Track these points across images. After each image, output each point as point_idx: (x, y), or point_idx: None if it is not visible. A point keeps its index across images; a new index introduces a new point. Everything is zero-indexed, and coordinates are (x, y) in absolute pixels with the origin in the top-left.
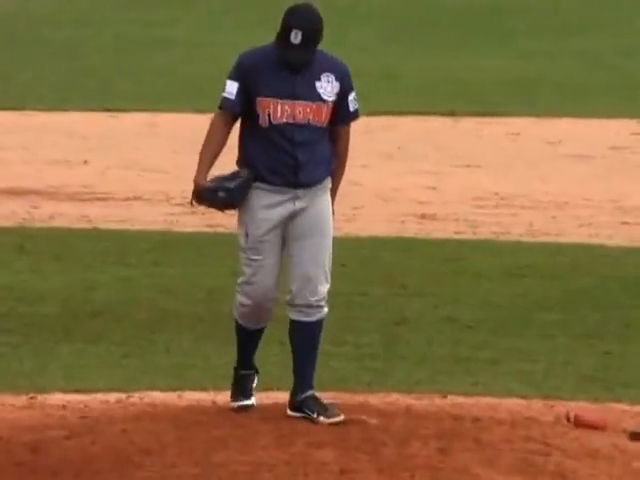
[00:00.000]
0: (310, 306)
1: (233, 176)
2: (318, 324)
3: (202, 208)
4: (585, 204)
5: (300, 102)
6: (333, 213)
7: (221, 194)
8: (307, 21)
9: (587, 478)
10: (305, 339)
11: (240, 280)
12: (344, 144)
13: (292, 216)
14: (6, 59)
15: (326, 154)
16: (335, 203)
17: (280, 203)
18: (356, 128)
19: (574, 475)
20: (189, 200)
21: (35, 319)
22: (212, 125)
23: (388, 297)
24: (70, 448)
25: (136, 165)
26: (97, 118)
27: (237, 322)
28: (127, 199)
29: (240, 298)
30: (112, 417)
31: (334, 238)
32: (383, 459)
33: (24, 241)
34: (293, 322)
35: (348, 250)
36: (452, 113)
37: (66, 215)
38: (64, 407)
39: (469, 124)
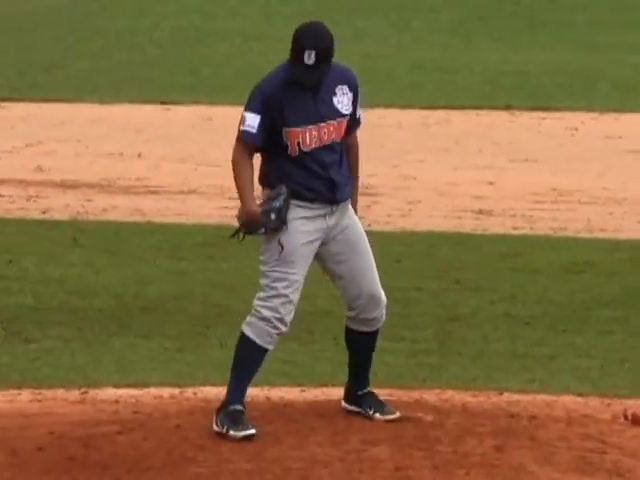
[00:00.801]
0: (374, 319)
1: (276, 196)
2: (378, 331)
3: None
4: None
5: (324, 124)
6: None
7: (273, 216)
8: (319, 40)
9: None
10: (366, 346)
11: (265, 295)
12: (356, 151)
13: (329, 237)
14: (62, 50)
15: (348, 169)
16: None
17: (316, 217)
18: (412, 122)
19: (631, 474)
20: (234, 233)
21: (88, 313)
22: (237, 158)
23: (444, 293)
24: (122, 443)
25: (191, 158)
26: (152, 111)
27: (247, 340)
28: (181, 192)
29: (265, 312)
30: (165, 412)
31: (389, 233)
32: (438, 456)
33: (77, 234)
34: (354, 331)
35: (403, 245)
36: (510, 107)
37: (119, 208)
38: (116, 402)
39: (527, 118)
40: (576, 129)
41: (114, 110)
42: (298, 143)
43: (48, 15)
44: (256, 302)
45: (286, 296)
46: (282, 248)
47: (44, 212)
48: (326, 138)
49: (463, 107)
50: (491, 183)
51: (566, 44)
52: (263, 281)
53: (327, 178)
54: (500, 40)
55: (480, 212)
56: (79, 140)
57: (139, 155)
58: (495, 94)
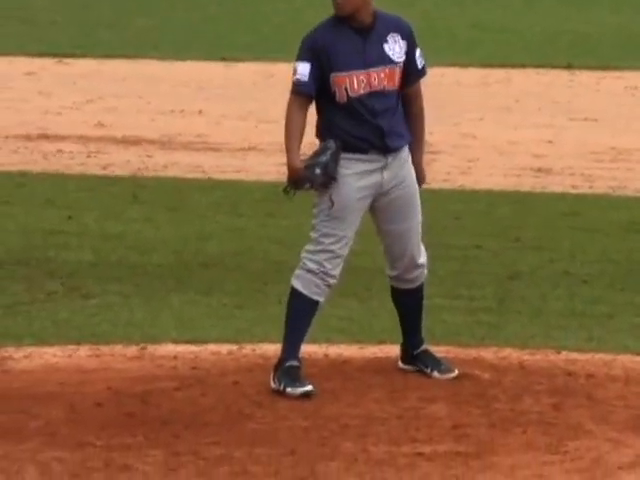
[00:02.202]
0: (415, 278)
1: (322, 150)
2: (421, 287)
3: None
4: None
5: (374, 69)
6: (422, 181)
7: (318, 171)
8: None
9: None
10: (412, 302)
11: (312, 248)
12: (419, 103)
13: (382, 193)
14: (123, 6)
15: (403, 118)
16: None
17: (370, 172)
18: (472, 81)
19: None
20: (284, 188)
21: (147, 269)
22: (289, 111)
23: (503, 251)
24: (180, 400)
25: (251, 116)
26: (214, 68)
27: (296, 293)
28: (241, 149)
29: (311, 265)
30: (223, 369)
31: (448, 191)
32: (495, 414)
33: (137, 190)
34: (398, 290)
35: (463, 203)
36: (569, 66)
37: (180, 165)
38: (175, 358)
39: (587, 78)
40: (636, 88)
41: (175, 67)
42: (346, 89)
43: None
44: (303, 254)
45: (332, 252)
46: (332, 204)
47: (104, 168)
48: (376, 83)
49: (523, 66)
50: (550, 142)
51: (626, 6)
52: (312, 234)
53: (376, 125)
54: (560, 0)
55: (539, 170)
56: (140, 96)
57: (200, 112)
58: (555, 53)
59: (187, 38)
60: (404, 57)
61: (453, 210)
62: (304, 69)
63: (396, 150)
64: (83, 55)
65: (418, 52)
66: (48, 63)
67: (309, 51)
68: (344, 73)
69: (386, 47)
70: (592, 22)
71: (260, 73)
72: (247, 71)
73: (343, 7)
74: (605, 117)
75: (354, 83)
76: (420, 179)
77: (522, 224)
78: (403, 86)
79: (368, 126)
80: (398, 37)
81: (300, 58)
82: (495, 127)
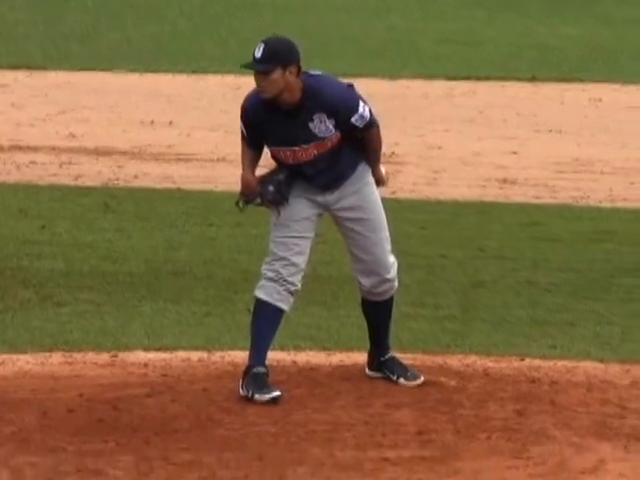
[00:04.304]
0: (384, 292)
1: (279, 170)
2: (391, 300)
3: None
4: None
5: (300, 147)
6: (380, 184)
7: (271, 188)
8: (275, 39)
9: None
10: (381, 314)
11: (269, 259)
12: (373, 145)
13: (332, 210)
14: (94, 20)
15: (347, 160)
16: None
17: (313, 193)
18: (437, 94)
19: None
20: (236, 201)
21: (118, 277)
22: (242, 145)
23: (467, 260)
24: (151, 406)
25: (220, 127)
26: (183, 80)
27: (260, 302)
28: (211, 160)
29: (269, 274)
30: (193, 376)
31: (414, 201)
32: (460, 420)
33: (109, 200)
34: (367, 301)
35: (428, 213)
36: (534, 79)
37: (150, 175)
38: (146, 365)
39: (550, 90)
40: (600, 100)
41: (145, 80)
42: (278, 157)
43: None
44: (263, 266)
45: (286, 259)
46: (279, 213)
47: (76, 179)
48: (305, 157)
49: (487, 78)
50: (515, 153)
51: (588, 18)
52: (269, 246)
53: (312, 182)
54: (524, 14)
55: (504, 181)
56: (111, 108)
57: (170, 123)
58: (519, 66)
59: (157, 51)
60: (334, 130)
61: (419, 220)
62: (243, 128)
63: (338, 188)
64: (55, 68)
65: (355, 117)
66: (21, 75)
67: (244, 118)
68: (273, 148)
69: (311, 126)
70: (555, 35)
71: (228, 85)
72: (216, 83)
73: (265, 91)
74: (569, 129)
75: (283, 156)
76: (378, 183)
77: (486, 234)
78: (351, 136)
79: (306, 181)
80: (324, 117)
81: (241, 117)
82: (460, 139)
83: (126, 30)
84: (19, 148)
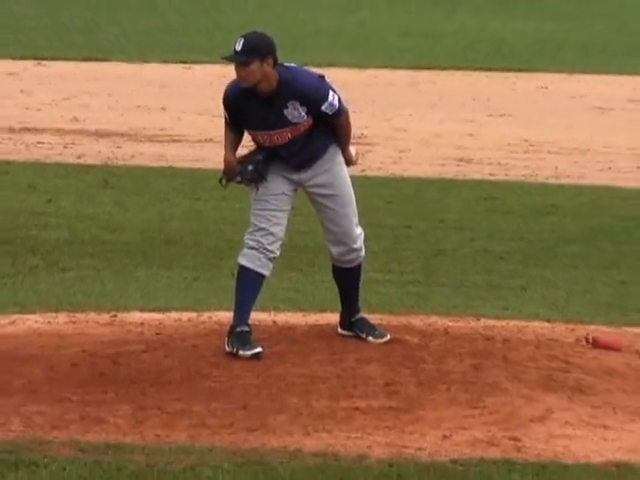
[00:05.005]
0: (351, 260)
1: (258, 151)
2: (358, 267)
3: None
4: (605, 151)
5: (275, 131)
6: (349, 163)
7: (250, 167)
8: (254, 34)
9: (603, 393)
10: (350, 280)
11: (250, 229)
12: (343, 131)
13: (305, 187)
14: (96, 16)
15: (319, 142)
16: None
17: (288, 172)
18: (404, 80)
19: (591, 390)
20: (220, 178)
21: (116, 246)
22: (225, 128)
23: (429, 231)
24: (146, 361)
25: (208, 112)
26: (174, 69)
27: (243, 268)
28: (200, 141)
29: (251, 243)
30: (184, 334)
31: (381, 178)
32: (423, 374)
33: (108, 177)
34: (337, 268)
35: (394, 189)
36: (488, 69)
37: (145, 155)
38: (142, 324)
39: (503, 79)
40: (546, 88)
41: (140, 69)
42: (256, 139)
43: None
44: (245, 236)
45: (265, 229)
46: (257, 189)
47: (79, 157)
48: (280, 140)
49: (447, 68)
50: (471, 135)
51: (537, 13)
52: (250, 218)
53: (288, 163)
54: (479, 9)
55: (461, 160)
56: (110, 95)
57: (163, 108)
58: (475, 57)
59: (151, 43)
60: (306, 117)
61: (385, 195)
62: (225, 113)
63: (311, 168)
64: (60, 58)
65: (325, 105)
66: (29, 65)
67: (225, 103)
68: (251, 131)
69: (286, 112)
70: (507, 29)
71: (215, 74)
72: (204, 73)
73: (244, 81)
74: (519, 113)
75: (260, 139)
76: (348, 163)
77: (446, 207)
78: (322, 122)
79: (282, 161)
80: (297, 104)
81: (223, 102)
82: (423, 122)
83: (123, 24)
84: (28, 130)
